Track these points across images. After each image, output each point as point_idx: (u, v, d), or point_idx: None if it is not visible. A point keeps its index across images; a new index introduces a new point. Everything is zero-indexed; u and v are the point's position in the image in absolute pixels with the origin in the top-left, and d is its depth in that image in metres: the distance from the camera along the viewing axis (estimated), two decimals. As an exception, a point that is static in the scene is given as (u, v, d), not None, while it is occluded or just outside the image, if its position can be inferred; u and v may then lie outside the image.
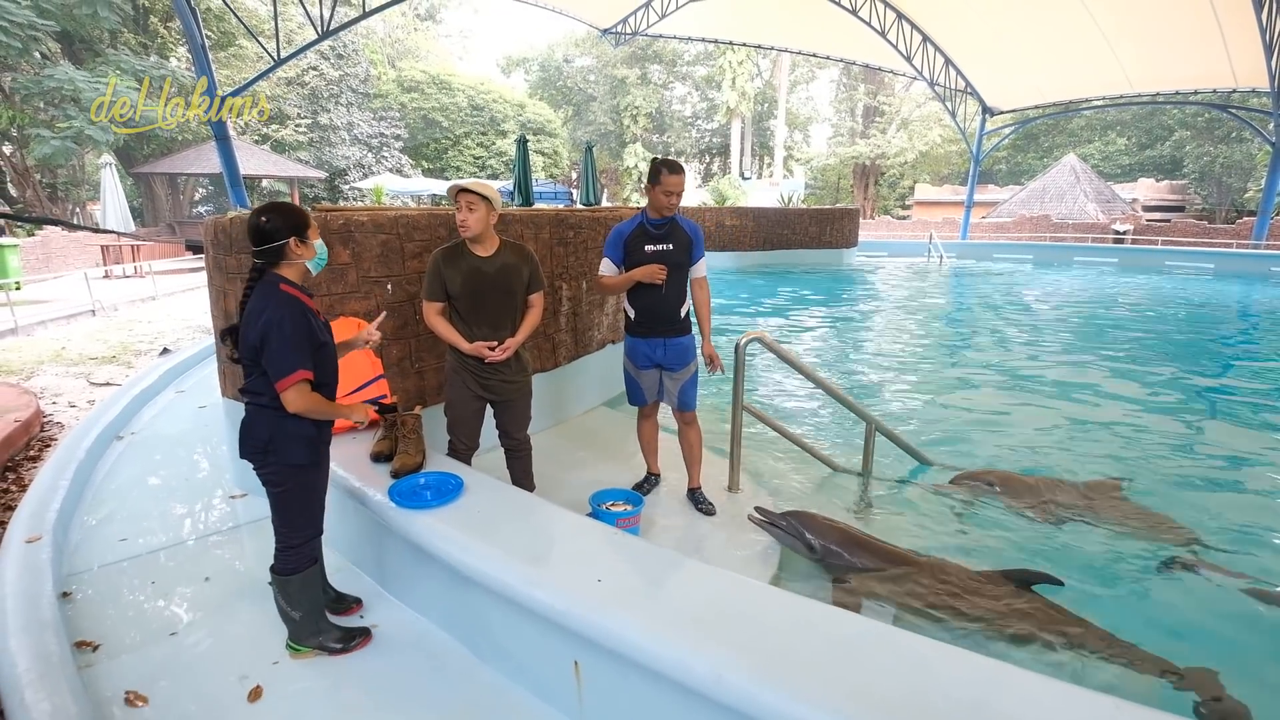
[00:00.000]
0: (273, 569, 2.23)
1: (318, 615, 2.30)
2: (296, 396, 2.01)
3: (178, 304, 11.37)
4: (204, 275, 3.81)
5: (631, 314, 3.26)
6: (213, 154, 15.64)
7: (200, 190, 27.23)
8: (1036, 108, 24.21)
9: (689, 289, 3.28)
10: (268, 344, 1.97)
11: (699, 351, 3.33)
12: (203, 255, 3.90)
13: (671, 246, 3.14)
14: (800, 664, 1.56)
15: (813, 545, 2.96)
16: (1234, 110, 20.34)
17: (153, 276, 12.95)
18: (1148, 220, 25.65)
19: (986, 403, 5.90)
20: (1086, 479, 4.02)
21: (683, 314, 3.26)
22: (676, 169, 3.04)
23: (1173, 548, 3.26)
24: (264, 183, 25.10)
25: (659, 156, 3.68)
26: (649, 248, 3.13)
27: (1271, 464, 4.56)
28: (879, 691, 1.45)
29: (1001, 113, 24.27)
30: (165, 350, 7.14)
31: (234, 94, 12.00)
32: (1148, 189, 30.47)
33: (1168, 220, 25.90)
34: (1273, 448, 4.85)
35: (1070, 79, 20.99)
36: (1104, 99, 22.24)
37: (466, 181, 2.85)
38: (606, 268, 3.23)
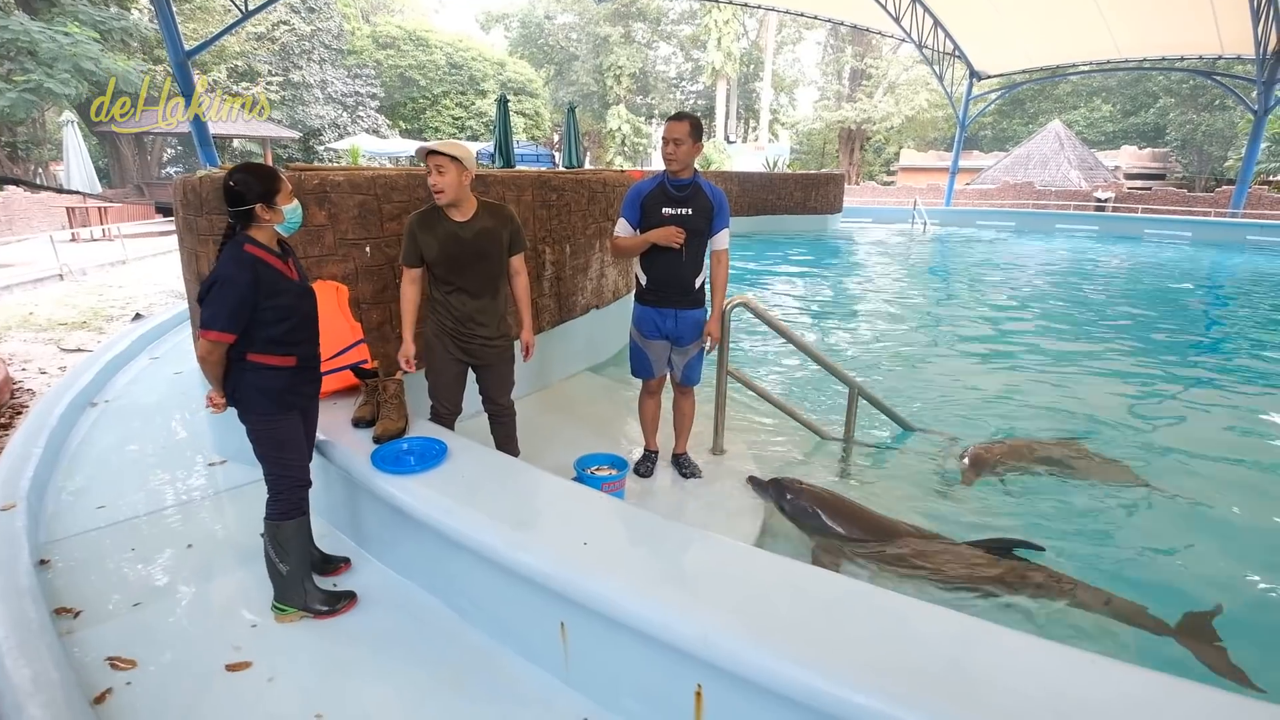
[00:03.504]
0: (266, 516, 2.28)
1: (305, 572, 2.32)
2: (203, 350, 2.07)
3: (149, 268, 11.05)
4: (175, 238, 3.69)
5: (644, 280, 3.09)
6: (179, 112, 15.05)
7: (169, 150, 26.27)
8: (1024, 72, 23.99)
9: (707, 260, 3.10)
10: (208, 295, 2.04)
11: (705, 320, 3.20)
12: (173, 217, 3.77)
13: (691, 211, 2.93)
14: (785, 623, 1.58)
15: (784, 509, 3.01)
16: (1218, 77, 20.31)
17: (122, 240, 12.54)
18: (1129, 188, 25.76)
19: (966, 368, 5.98)
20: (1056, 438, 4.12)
21: (697, 285, 3.07)
22: (677, 115, 2.89)
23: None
24: (235, 143, 24.27)
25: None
26: (666, 210, 2.94)
27: (1222, 416, 4.70)
28: (862, 649, 1.48)
29: (989, 77, 24.00)
30: (138, 316, 6.96)
31: (200, 49, 11.49)
32: (1130, 156, 30.57)
33: (1149, 188, 26.04)
34: (1229, 403, 5.04)
35: (1058, 43, 20.73)
36: (1091, 64, 22.06)
37: (433, 143, 2.72)
38: (622, 228, 3.05)
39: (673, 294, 3.05)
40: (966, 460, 3.78)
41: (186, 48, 11.10)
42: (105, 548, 2.75)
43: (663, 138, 2.89)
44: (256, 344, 2.12)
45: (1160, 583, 2.77)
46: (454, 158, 2.64)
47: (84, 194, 13.90)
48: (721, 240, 3.05)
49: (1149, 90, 32.39)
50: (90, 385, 4.57)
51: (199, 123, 11.38)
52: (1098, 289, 10.49)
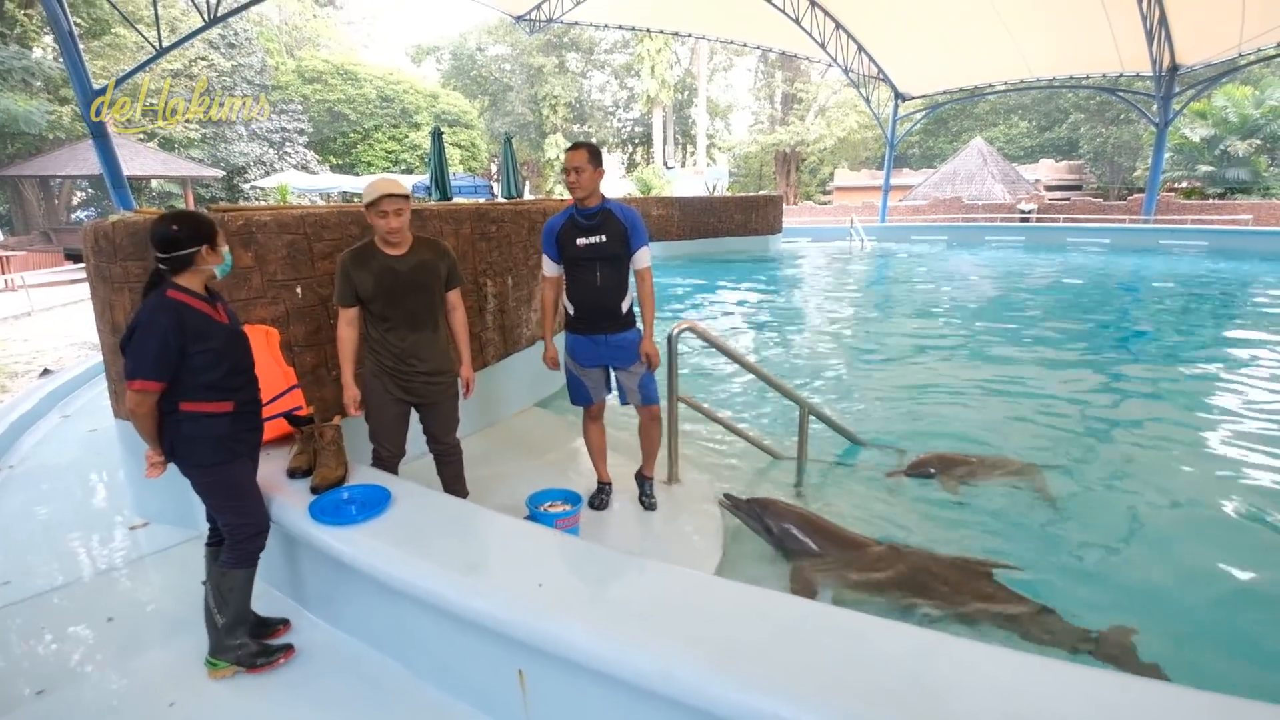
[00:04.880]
0: (218, 561, 2.22)
1: (241, 625, 2.24)
2: (132, 402, 2.00)
3: (58, 319, 10.34)
4: (86, 287, 3.46)
5: (570, 309, 3.10)
6: (90, 153, 14.28)
7: (79, 194, 24.84)
8: (944, 93, 25.36)
9: (630, 281, 3.10)
10: (130, 343, 1.97)
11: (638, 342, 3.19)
12: (83, 264, 3.54)
13: (605, 238, 2.92)
14: (747, 652, 1.57)
15: (772, 530, 3.02)
16: (1122, 93, 21.95)
17: (27, 290, 11.70)
18: (1050, 199, 27.37)
19: (911, 380, 6.17)
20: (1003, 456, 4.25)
21: (624, 309, 3.06)
22: (574, 145, 2.90)
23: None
24: (153, 184, 23.16)
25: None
26: (580, 241, 2.95)
27: (1158, 415, 5.01)
28: (823, 671, 1.48)
29: (913, 98, 25.27)
30: (46, 371, 6.48)
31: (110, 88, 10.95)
32: (1048, 169, 32.49)
33: (1067, 199, 27.76)
34: (1168, 408, 5.35)
35: (975, 64, 22.12)
36: (1006, 83, 23.55)
37: (386, 185, 2.62)
38: (548, 268, 3.09)
39: (601, 321, 3.04)
40: (937, 472, 3.90)
41: (96, 86, 10.58)
42: (9, 629, 2.50)
43: (563, 168, 2.91)
44: (189, 391, 2.05)
45: (1085, 588, 2.84)
46: (408, 196, 2.65)
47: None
48: (642, 259, 3.03)
49: (1061, 107, 34.68)
50: (-9, 450, 4.21)
51: (112, 164, 10.82)
52: (1031, 297, 11.03)
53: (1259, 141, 23.42)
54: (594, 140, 41.90)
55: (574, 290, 3.05)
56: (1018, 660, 1.47)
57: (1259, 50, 17.64)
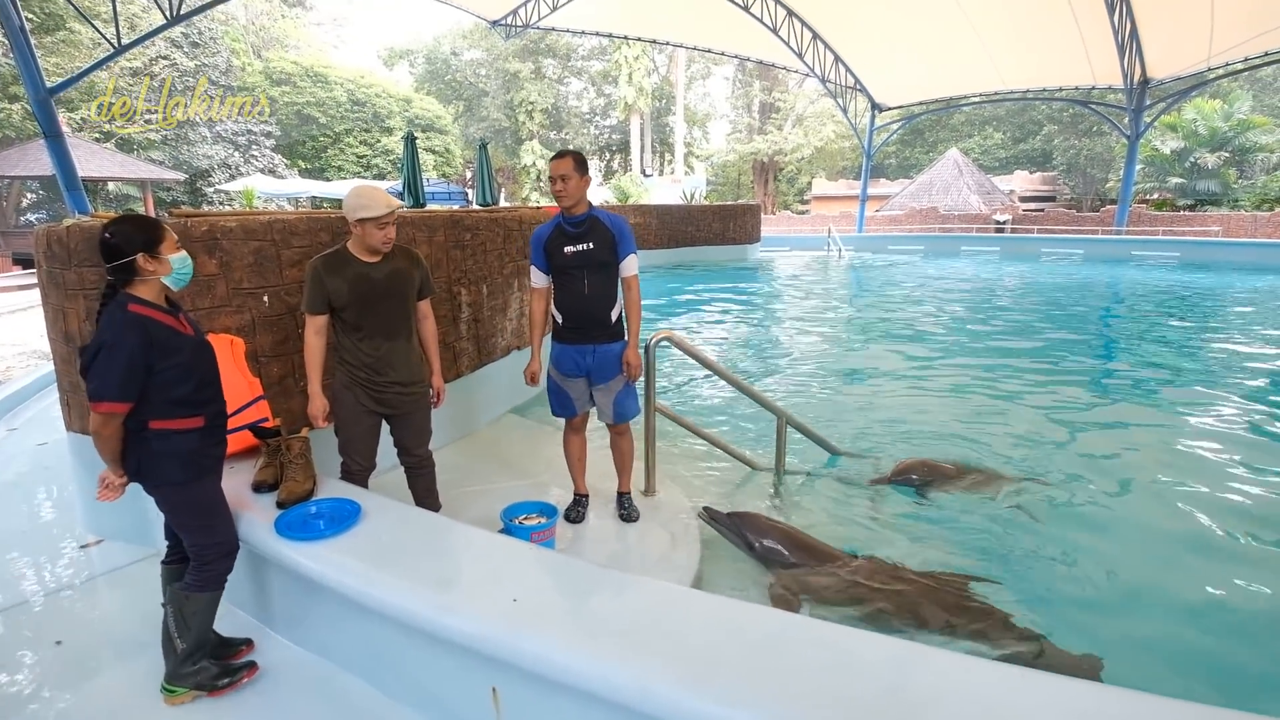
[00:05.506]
0: (180, 584, 2.12)
1: (201, 651, 2.13)
2: (96, 424, 1.90)
3: (5, 326, 9.93)
4: (37, 293, 3.32)
5: (559, 318, 3.06)
6: (41, 153, 13.80)
7: (29, 195, 23.93)
8: (920, 104, 25.87)
9: (619, 290, 3.08)
10: (94, 363, 1.87)
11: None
12: (34, 270, 3.39)
13: (592, 246, 2.92)
14: (725, 666, 1.55)
15: (753, 545, 3.02)
16: (1094, 106, 22.58)
17: (-26, 295, 11.24)
18: (1024, 210, 27.99)
19: (888, 389, 6.24)
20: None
21: (613, 318, 3.04)
22: (560, 154, 2.89)
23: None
24: (110, 186, 22.45)
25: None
26: (568, 249, 2.94)
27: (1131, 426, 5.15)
28: (801, 683, 1.47)
29: (889, 109, 25.71)
30: (-6, 379, 6.20)
31: (64, 86, 10.62)
32: (1023, 180, 33.21)
33: (1042, 210, 28.42)
34: (1141, 415, 5.49)
35: (950, 76, 22.61)
36: (981, 95, 24.08)
37: (390, 199, 2.58)
38: (537, 279, 3.06)
39: (591, 330, 3.02)
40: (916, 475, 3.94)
41: (49, 84, 10.23)
42: (-50, 656, 2.36)
43: (550, 177, 2.90)
44: (158, 409, 1.96)
45: (1063, 600, 2.88)
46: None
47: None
48: (630, 267, 3.04)
49: (1034, 119, 35.60)
50: (-68, 464, 4.00)
51: (66, 165, 10.44)
52: (1007, 308, 11.26)
53: (1227, 154, 24.26)
54: (571, 147, 42.00)
55: (562, 299, 3.03)
56: (998, 672, 1.48)
57: (1226, 65, 18.34)
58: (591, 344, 3.03)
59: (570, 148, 2.94)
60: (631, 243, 3.03)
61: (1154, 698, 1.37)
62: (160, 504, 2.07)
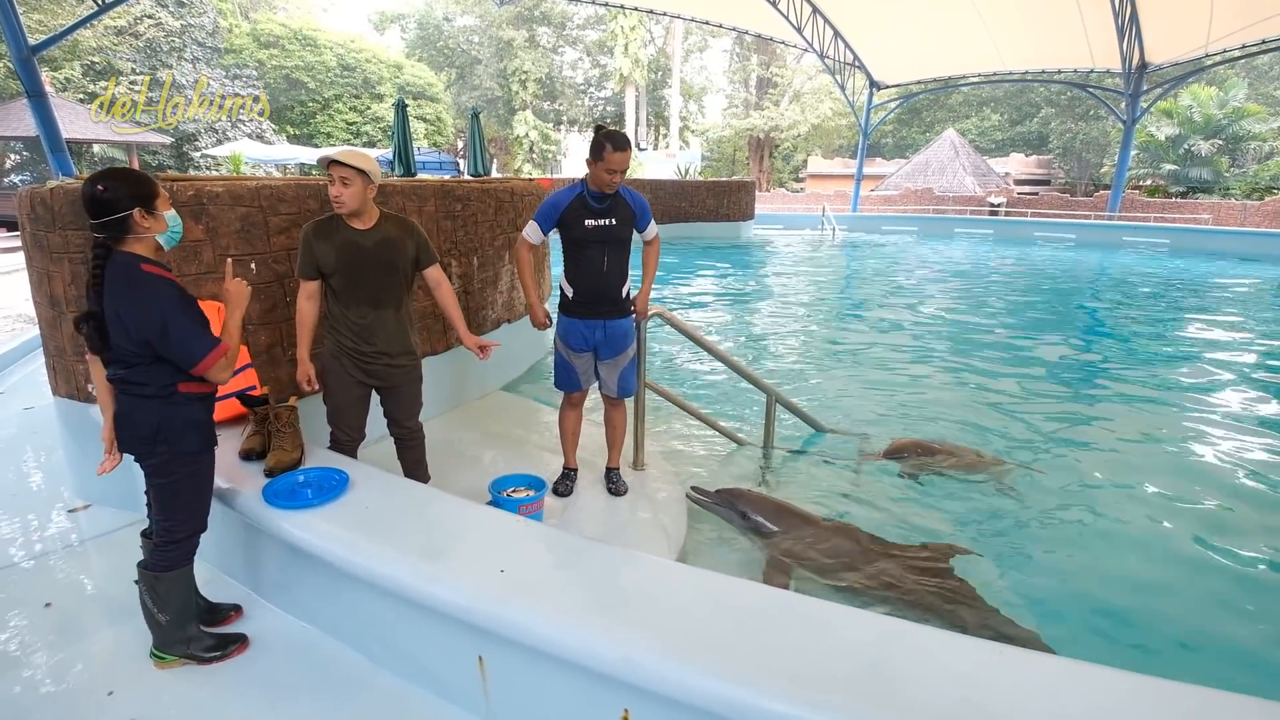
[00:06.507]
0: (144, 565, 2.05)
1: (187, 619, 2.12)
2: (223, 370, 1.91)
3: (-9, 289, 9.77)
4: (21, 256, 3.26)
5: (570, 293, 3.04)
6: (24, 114, 13.46)
7: (12, 157, 23.38)
8: (919, 83, 25.50)
9: (631, 269, 3.11)
10: (168, 334, 1.81)
11: (634, 329, 3.19)
12: (17, 233, 3.33)
13: (614, 221, 2.93)
14: (707, 638, 1.58)
15: (746, 516, 3.07)
16: (1092, 89, 22.37)
17: (-44, 257, 11.04)
18: (1019, 193, 27.87)
19: (877, 368, 6.29)
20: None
21: (624, 294, 3.08)
22: (622, 144, 2.80)
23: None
24: (95, 149, 21.95)
25: (605, 126, 3.26)
26: (590, 222, 2.91)
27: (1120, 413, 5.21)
28: (784, 658, 1.50)
29: (887, 87, 25.37)
30: (-23, 343, 6.11)
31: (47, 44, 10.31)
32: (1018, 163, 33.03)
33: (1036, 193, 28.24)
34: (1129, 405, 5.55)
35: (949, 55, 22.33)
36: (979, 75, 23.81)
37: (337, 151, 2.56)
38: (533, 233, 3.00)
39: (602, 306, 3.03)
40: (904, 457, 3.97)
41: (31, 42, 9.93)
42: (-62, 618, 2.37)
43: (609, 169, 2.81)
44: (183, 371, 1.91)
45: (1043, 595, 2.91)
46: (360, 170, 2.51)
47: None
48: (650, 232, 3.13)
49: (1032, 101, 35.34)
50: (-85, 427, 3.97)
51: (50, 126, 10.20)
52: (998, 291, 11.29)
53: (1221, 142, 24.21)
54: (565, 120, 41.31)
55: (577, 274, 3.01)
56: (976, 648, 1.51)
57: (1224, 51, 18.22)
58: (601, 319, 3.05)
59: (620, 130, 2.89)
60: (650, 217, 3.11)
61: (1136, 676, 1.41)
62: (160, 474, 1.97)
